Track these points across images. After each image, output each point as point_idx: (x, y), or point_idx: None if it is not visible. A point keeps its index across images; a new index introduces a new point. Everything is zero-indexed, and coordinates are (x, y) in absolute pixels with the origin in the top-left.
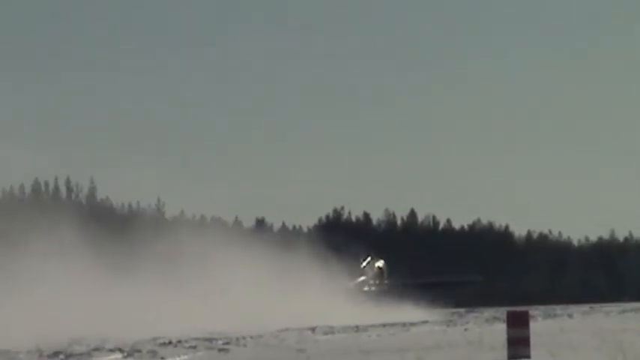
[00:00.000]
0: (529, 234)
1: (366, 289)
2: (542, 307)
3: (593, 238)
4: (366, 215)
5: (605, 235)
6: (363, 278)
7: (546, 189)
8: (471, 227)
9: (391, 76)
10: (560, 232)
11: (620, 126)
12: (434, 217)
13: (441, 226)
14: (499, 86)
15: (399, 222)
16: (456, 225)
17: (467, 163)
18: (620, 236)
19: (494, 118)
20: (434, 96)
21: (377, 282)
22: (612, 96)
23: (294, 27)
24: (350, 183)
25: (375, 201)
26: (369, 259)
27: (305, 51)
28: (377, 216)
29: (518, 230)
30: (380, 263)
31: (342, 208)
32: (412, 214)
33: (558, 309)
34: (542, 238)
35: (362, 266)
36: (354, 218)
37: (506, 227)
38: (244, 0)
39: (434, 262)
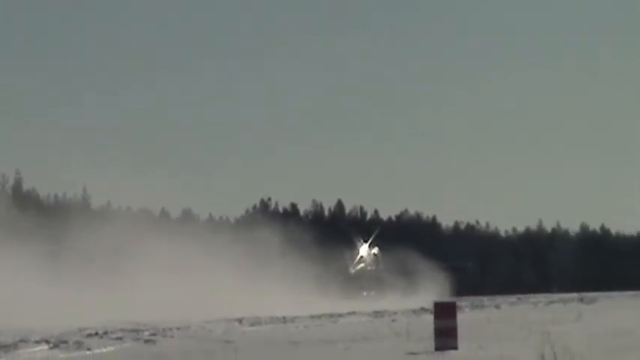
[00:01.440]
0: (456, 225)
1: (366, 274)
2: (469, 298)
3: (521, 228)
4: (294, 206)
5: (533, 226)
6: (362, 265)
7: (473, 179)
8: (399, 218)
9: (317, 68)
10: (487, 223)
11: (546, 116)
12: (361, 208)
13: (369, 216)
14: (427, 78)
15: (326, 213)
16: (384, 216)
17: (394, 154)
18: (548, 227)
19: (421, 109)
20: (359, 86)
21: (374, 267)
22: (538, 87)
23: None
24: (277, 174)
25: (303, 192)
26: (366, 246)
27: (227, 44)
28: (304, 207)
29: (446, 221)
30: (375, 250)
31: (270, 199)
32: (339, 204)
33: (486, 300)
34: (470, 228)
35: (360, 253)
36: (281, 209)
37: (434, 218)
38: None
39: None
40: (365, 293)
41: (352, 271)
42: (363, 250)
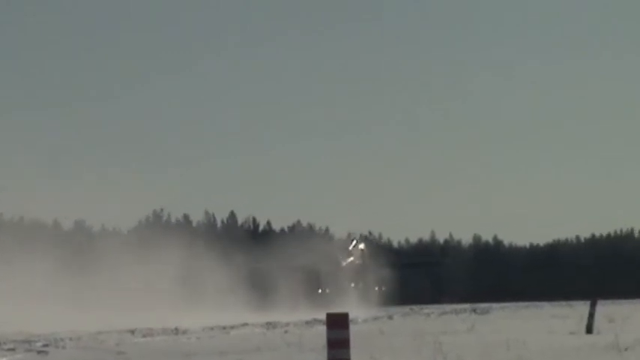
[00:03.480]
0: (349, 236)
1: (354, 267)
2: (362, 309)
3: (414, 239)
4: (186, 217)
5: (426, 237)
6: (351, 259)
7: (366, 191)
8: (291, 229)
9: (204, 81)
10: (380, 234)
11: (435, 129)
12: (254, 219)
13: (261, 227)
14: (320, 87)
15: (219, 224)
16: (276, 227)
17: (287, 165)
18: (441, 238)
19: (309, 120)
20: (248, 98)
21: (361, 262)
22: (425, 101)
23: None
24: (170, 185)
25: (195, 203)
26: (354, 242)
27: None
28: (197, 218)
29: (339, 232)
30: (362, 246)
31: (162, 210)
32: (232, 215)
33: (378, 311)
34: (362, 239)
35: (349, 249)
36: (173, 220)
37: (327, 229)
38: None
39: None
40: (352, 284)
41: (343, 264)
42: (352, 245)
